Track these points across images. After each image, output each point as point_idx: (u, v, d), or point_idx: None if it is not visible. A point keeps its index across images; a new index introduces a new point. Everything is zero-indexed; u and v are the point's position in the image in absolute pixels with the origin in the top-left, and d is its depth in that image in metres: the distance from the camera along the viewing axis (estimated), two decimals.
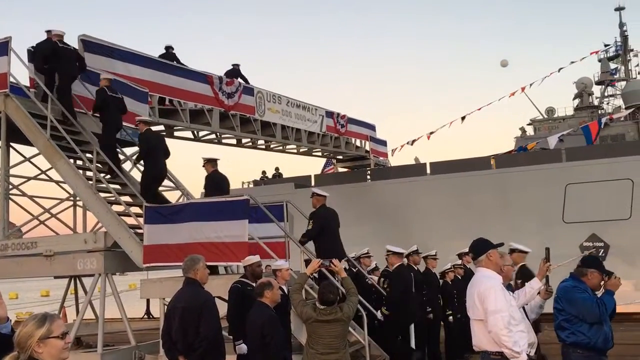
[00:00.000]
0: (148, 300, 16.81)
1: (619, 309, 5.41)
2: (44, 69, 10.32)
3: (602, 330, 5.00)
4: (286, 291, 6.89)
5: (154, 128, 11.22)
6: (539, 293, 5.33)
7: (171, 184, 10.77)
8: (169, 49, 14.73)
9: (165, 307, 7.10)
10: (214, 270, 8.53)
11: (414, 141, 26.88)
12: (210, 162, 9.71)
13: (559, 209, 17.31)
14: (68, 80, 10.34)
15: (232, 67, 16.66)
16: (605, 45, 36.19)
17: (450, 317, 10.20)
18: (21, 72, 10.67)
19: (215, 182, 9.59)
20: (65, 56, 10.26)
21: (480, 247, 4.84)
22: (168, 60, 13.59)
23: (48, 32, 10.61)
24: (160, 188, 10.24)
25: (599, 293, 5.19)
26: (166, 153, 9.82)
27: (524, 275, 7.27)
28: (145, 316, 18.20)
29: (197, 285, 5.71)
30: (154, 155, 9.59)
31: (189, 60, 15.06)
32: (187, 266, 5.78)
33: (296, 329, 7.31)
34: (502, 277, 4.86)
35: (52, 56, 10.21)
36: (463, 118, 28.04)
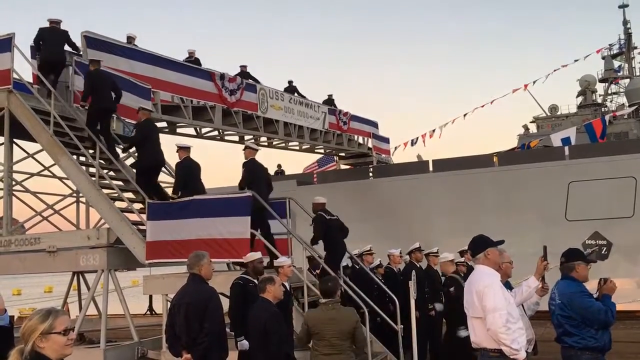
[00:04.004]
0: (151, 297, 16.89)
1: (621, 307, 5.42)
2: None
3: (607, 332, 5.06)
4: (288, 288, 6.90)
5: (157, 124, 11.15)
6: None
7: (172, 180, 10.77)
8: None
9: (168, 303, 7.11)
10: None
11: (412, 141, 26.88)
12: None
13: (561, 206, 17.27)
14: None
15: (240, 69, 17.21)
16: (610, 44, 36.10)
17: None
18: (24, 68, 10.69)
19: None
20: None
21: (479, 245, 4.84)
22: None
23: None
24: (163, 185, 10.26)
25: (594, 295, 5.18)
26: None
27: None
28: (148, 312, 18.28)
29: (201, 281, 5.73)
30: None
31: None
32: (192, 262, 5.80)
33: (297, 326, 7.32)
34: (500, 275, 4.86)
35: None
36: (465, 115, 28.09)
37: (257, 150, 9.35)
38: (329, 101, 20.31)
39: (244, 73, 16.95)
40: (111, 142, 10.19)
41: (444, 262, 9.39)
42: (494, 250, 4.79)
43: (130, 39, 13.61)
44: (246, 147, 9.24)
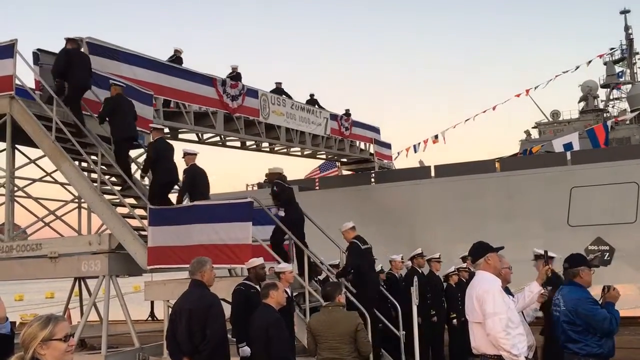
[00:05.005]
0: (152, 303, 16.84)
1: (625, 313, 5.39)
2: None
3: (610, 339, 5.03)
4: (290, 293, 6.88)
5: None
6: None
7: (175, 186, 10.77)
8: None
9: (170, 309, 7.10)
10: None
11: (415, 147, 26.91)
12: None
13: (564, 212, 17.26)
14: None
15: (275, 85, 17.79)
16: (611, 49, 36.14)
17: (454, 320, 10.18)
18: (27, 75, 10.70)
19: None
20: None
21: (479, 250, 4.84)
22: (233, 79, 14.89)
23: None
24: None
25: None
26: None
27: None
28: (150, 318, 18.24)
29: (203, 288, 5.71)
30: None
31: (190, 62, 15.22)
32: (194, 268, 5.78)
33: (299, 331, 7.30)
34: (501, 280, 4.85)
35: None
36: (467, 121, 28.14)
37: (196, 154, 9.41)
38: (278, 90, 19.52)
39: (278, 89, 17.40)
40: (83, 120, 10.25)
41: (345, 230, 9.26)
42: (494, 255, 4.79)
43: (177, 53, 14.14)
44: (185, 155, 9.29)
